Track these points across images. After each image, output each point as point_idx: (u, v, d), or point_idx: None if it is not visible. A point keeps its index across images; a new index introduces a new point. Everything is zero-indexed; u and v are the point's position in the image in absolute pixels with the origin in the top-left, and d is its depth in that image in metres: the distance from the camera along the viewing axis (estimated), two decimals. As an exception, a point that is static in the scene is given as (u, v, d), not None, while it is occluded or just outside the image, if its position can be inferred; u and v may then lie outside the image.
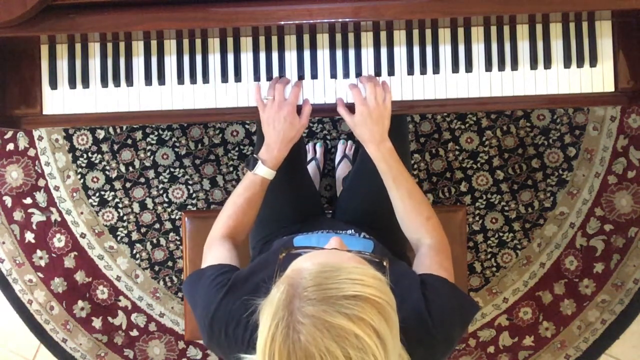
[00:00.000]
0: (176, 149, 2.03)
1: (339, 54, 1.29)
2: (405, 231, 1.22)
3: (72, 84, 1.30)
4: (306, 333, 0.71)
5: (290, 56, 1.29)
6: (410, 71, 1.29)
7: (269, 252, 1.18)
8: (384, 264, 0.86)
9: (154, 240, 2.06)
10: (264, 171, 1.21)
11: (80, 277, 2.07)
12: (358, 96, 1.21)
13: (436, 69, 1.28)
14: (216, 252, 1.15)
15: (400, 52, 1.29)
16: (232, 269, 1.07)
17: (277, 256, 0.89)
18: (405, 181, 1.19)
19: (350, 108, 1.24)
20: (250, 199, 1.21)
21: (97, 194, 2.05)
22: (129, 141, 2.04)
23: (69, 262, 2.06)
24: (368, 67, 1.29)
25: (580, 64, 1.28)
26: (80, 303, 2.07)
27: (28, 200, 2.06)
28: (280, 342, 0.72)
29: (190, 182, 2.04)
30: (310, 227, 1.32)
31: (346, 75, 1.29)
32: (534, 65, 1.28)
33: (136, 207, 2.05)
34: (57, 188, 2.05)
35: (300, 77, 1.29)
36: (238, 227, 1.22)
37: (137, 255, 2.06)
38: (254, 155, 1.22)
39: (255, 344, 0.78)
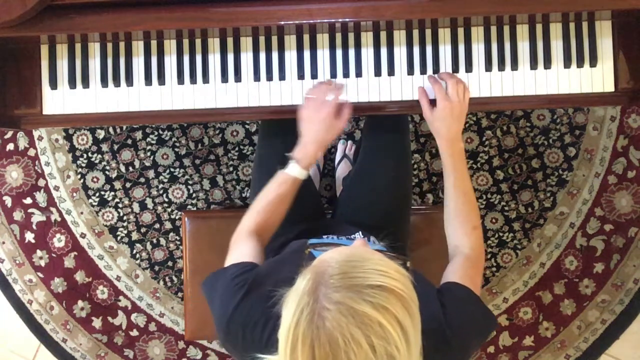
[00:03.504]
0: (176, 149, 2.03)
1: (339, 54, 1.29)
2: (448, 235, 1.22)
3: (72, 84, 1.31)
4: (331, 319, 0.72)
5: (290, 56, 1.29)
6: (410, 71, 1.29)
7: (284, 253, 1.18)
8: (407, 264, 0.87)
9: (154, 240, 2.06)
10: (296, 171, 1.20)
11: (80, 277, 2.07)
12: (441, 91, 1.21)
13: (436, 69, 1.28)
14: (241, 248, 1.14)
15: (400, 52, 1.29)
16: (254, 267, 1.06)
17: (295, 256, 0.90)
18: (464, 184, 1.19)
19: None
20: (281, 195, 1.21)
21: (97, 194, 2.05)
22: (129, 141, 2.04)
23: (69, 262, 2.06)
24: (368, 67, 1.29)
25: (580, 64, 1.28)
26: (80, 303, 2.07)
27: (28, 200, 2.06)
28: (304, 327, 0.73)
29: (190, 182, 2.04)
30: (315, 227, 1.32)
31: (346, 75, 1.29)
32: (534, 65, 1.28)
33: (136, 207, 2.05)
34: (57, 188, 2.05)
35: (300, 77, 1.29)
36: (267, 223, 1.21)
37: (137, 255, 2.06)
38: (287, 154, 1.22)
39: (274, 343, 0.79)
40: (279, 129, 1.44)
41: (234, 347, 0.99)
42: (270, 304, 0.89)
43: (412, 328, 0.75)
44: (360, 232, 1.26)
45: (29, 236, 2.06)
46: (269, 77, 1.29)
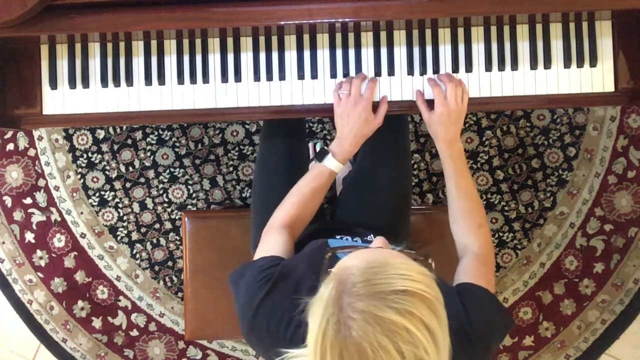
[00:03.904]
0: (176, 149, 2.03)
1: (339, 54, 1.29)
2: (455, 234, 1.22)
3: (72, 84, 1.30)
4: (357, 328, 0.72)
5: (290, 56, 1.29)
6: (410, 71, 1.29)
7: (304, 251, 1.17)
8: (430, 261, 0.87)
9: (154, 240, 2.06)
10: (333, 164, 1.21)
11: (80, 277, 2.07)
12: (440, 96, 1.21)
13: (436, 69, 1.28)
14: (271, 241, 1.14)
15: (400, 52, 1.29)
16: (280, 262, 1.05)
17: (315, 255, 0.90)
18: (465, 184, 1.20)
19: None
20: (315, 189, 1.21)
21: (97, 194, 2.05)
22: (129, 141, 2.04)
23: (69, 262, 2.06)
24: (368, 67, 1.29)
25: (580, 64, 1.28)
26: (80, 303, 2.07)
27: (28, 200, 2.06)
28: (332, 338, 0.73)
29: (190, 182, 2.04)
30: (326, 227, 1.31)
31: (346, 75, 1.29)
32: (534, 65, 1.28)
33: (136, 207, 2.05)
34: (57, 188, 2.05)
35: (300, 77, 1.29)
36: (300, 216, 1.21)
37: (137, 255, 2.06)
38: (325, 147, 1.23)
39: (298, 340, 0.80)
40: (280, 129, 1.44)
41: (258, 340, 0.99)
42: (297, 312, 0.89)
43: (439, 328, 0.75)
44: (372, 234, 1.26)
45: (29, 236, 2.06)
46: (269, 77, 1.29)
